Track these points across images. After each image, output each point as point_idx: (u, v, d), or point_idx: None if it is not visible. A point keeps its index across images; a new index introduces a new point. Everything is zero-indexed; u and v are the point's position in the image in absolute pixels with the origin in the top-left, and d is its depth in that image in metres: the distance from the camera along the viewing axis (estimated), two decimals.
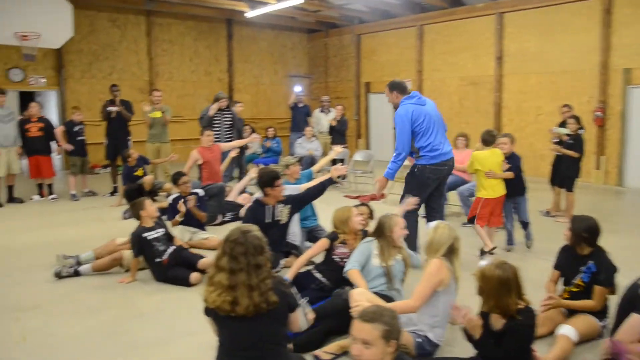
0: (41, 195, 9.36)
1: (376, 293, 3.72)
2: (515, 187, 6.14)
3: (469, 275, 3.44)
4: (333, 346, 3.53)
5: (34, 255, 5.98)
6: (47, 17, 11.17)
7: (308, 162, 10.01)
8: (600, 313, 3.74)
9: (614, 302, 3.59)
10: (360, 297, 3.46)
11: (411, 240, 5.12)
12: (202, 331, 3.59)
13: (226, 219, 7.38)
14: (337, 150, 7.05)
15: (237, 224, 7.04)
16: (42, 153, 9.20)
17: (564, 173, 7.90)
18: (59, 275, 5.09)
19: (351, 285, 3.93)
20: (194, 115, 15.32)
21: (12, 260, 5.79)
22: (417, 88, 14.53)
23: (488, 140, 6.05)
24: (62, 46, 12.41)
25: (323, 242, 4.57)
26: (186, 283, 4.86)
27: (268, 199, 5.09)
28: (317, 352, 3.50)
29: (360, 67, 16.32)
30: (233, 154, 8.38)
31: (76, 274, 5.16)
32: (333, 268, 4.38)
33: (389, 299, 3.75)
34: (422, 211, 5.66)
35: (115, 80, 13.41)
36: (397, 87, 5.52)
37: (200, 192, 6.53)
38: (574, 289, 3.81)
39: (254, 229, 2.79)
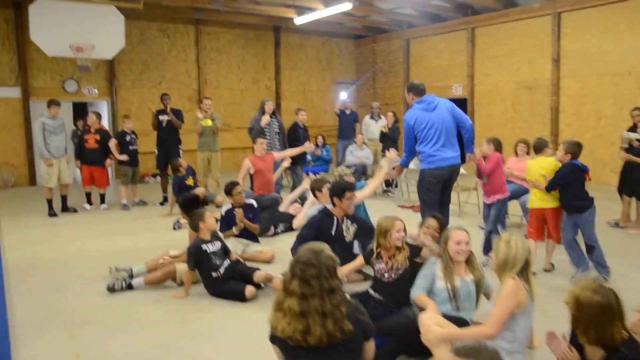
0: (90, 203, 9.44)
1: (446, 316, 3.43)
2: (568, 202, 5.29)
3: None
4: None
5: (86, 266, 5.94)
6: (100, 29, 11.35)
7: (360, 170, 9.76)
8: None
9: None
10: (430, 322, 3.20)
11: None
12: (261, 355, 3.38)
13: (279, 230, 7.20)
14: (391, 157, 6.70)
15: (290, 234, 6.90)
16: (98, 164, 9.30)
17: (635, 181, 7.40)
18: (112, 290, 5.00)
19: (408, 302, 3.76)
20: (241, 123, 15.35)
21: (65, 272, 5.76)
22: (468, 93, 14.12)
23: (536, 147, 5.85)
24: (114, 57, 12.60)
25: (358, 261, 4.40)
26: (241, 297, 4.68)
27: (336, 211, 4.89)
28: None
29: (409, 73, 15.96)
30: (286, 164, 8.19)
31: (129, 287, 5.07)
32: (381, 285, 4.14)
33: (461, 322, 3.45)
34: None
35: (164, 89, 13.54)
36: (413, 89, 5.87)
37: (254, 203, 6.36)
38: None
39: (326, 248, 2.54)
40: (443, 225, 4.36)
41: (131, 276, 5.29)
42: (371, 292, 4.17)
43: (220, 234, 5.32)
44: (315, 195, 5.72)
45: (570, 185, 5.20)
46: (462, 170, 9.04)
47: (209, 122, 9.57)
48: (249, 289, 4.68)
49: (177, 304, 4.73)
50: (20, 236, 7.54)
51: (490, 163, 6.01)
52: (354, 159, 10.61)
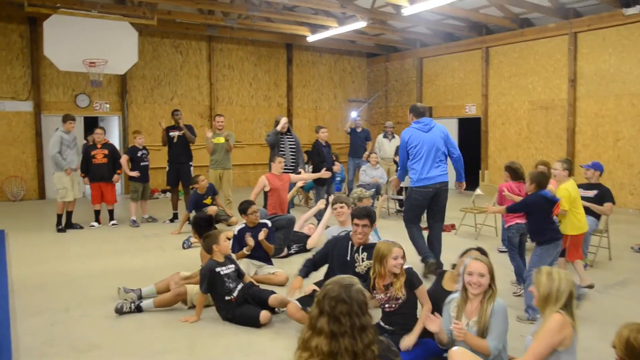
0: (99, 222, 9.29)
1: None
2: (531, 232, 5.06)
3: None
4: None
5: (94, 286, 5.76)
6: (114, 44, 11.34)
7: (373, 190, 9.56)
8: None
9: None
10: (461, 358, 2.98)
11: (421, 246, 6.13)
12: None
13: (292, 251, 7.00)
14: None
15: (303, 255, 6.70)
16: (107, 180, 9.18)
17: None
18: (119, 312, 4.81)
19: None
20: (252, 140, 15.29)
21: (73, 292, 5.58)
22: (482, 112, 13.96)
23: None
24: (126, 72, 12.57)
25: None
26: (255, 323, 4.47)
27: (354, 237, 4.63)
28: None
29: (422, 91, 15.84)
30: (300, 184, 8.02)
31: (138, 309, 4.87)
32: (385, 315, 3.91)
33: (496, 358, 3.21)
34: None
35: (176, 105, 13.51)
36: (414, 111, 6.39)
37: (268, 223, 6.18)
38: None
39: (356, 282, 2.32)
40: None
41: (140, 297, 5.11)
42: (382, 323, 3.95)
43: (233, 256, 5.13)
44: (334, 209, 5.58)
45: (532, 215, 4.89)
46: (479, 191, 8.88)
47: (222, 140, 9.43)
48: (264, 315, 4.47)
49: (188, 328, 4.52)
50: (28, 252, 7.39)
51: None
52: (367, 178, 10.42)
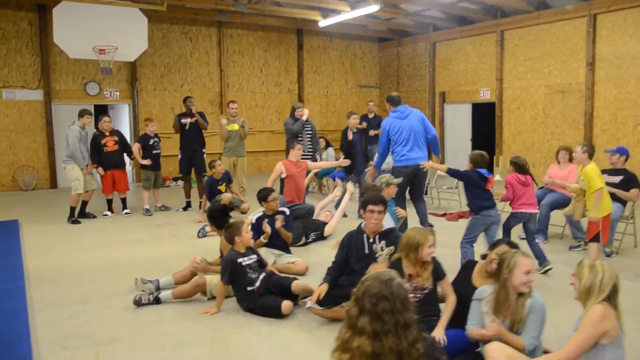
0: (111, 211, 9.20)
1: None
2: (471, 204, 5.63)
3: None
4: None
5: (110, 277, 5.67)
6: (123, 31, 11.19)
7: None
8: None
9: None
10: (498, 354, 2.86)
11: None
12: None
13: (309, 239, 6.88)
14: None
15: (321, 244, 6.57)
16: (119, 167, 9.08)
17: None
18: (138, 303, 4.71)
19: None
20: (263, 127, 15.15)
21: (89, 283, 5.49)
22: (497, 97, 13.73)
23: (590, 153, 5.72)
24: (136, 59, 12.43)
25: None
26: (277, 313, 4.35)
27: (365, 227, 4.48)
28: None
29: (435, 76, 15.59)
30: (316, 170, 7.90)
31: (156, 301, 4.77)
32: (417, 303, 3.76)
33: (532, 353, 3.08)
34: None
35: (186, 92, 13.37)
36: (390, 100, 7.26)
37: (287, 211, 6.05)
38: None
39: (395, 275, 2.17)
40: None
41: (158, 288, 5.01)
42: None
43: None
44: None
45: (468, 187, 5.53)
46: (498, 177, 8.70)
47: (236, 127, 9.28)
48: (286, 305, 4.35)
49: (209, 320, 4.41)
50: (42, 242, 7.32)
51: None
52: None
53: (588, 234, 5.60)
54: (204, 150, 9.65)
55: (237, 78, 14.96)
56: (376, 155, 7.52)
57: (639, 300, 4.81)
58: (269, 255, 5.65)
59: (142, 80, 13.63)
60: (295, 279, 4.72)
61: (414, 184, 7.06)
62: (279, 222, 5.70)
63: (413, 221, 6.73)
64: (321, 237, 6.97)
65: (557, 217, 7.15)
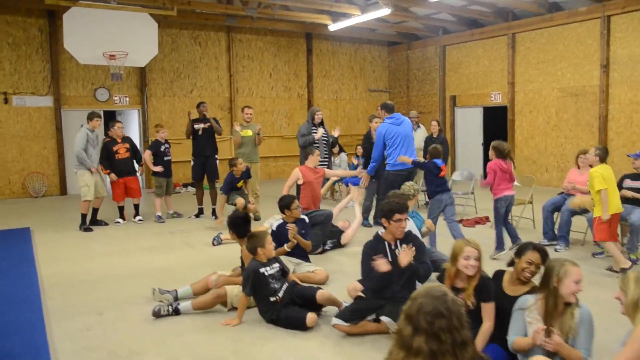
0: (123, 218, 9.12)
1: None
2: (428, 189, 6.82)
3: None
4: None
5: (126, 286, 5.57)
6: (133, 36, 11.14)
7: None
8: None
9: None
10: None
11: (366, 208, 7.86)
12: None
13: (327, 247, 6.76)
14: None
15: (339, 252, 6.45)
16: (131, 174, 9.00)
17: None
18: (157, 315, 4.60)
19: None
20: (272, 132, 15.05)
21: (102, 292, 5.40)
22: (509, 101, 13.61)
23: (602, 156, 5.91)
24: (145, 65, 12.37)
25: None
26: (302, 326, 4.22)
27: (385, 235, 4.37)
28: None
29: (445, 80, 15.47)
30: (334, 178, 7.83)
31: (175, 312, 4.66)
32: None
33: None
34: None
35: (195, 98, 13.32)
36: (385, 107, 7.71)
37: (305, 218, 5.94)
38: None
39: (446, 291, 2.05)
40: (545, 256, 3.45)
41: (176, 299, 4.91)
42: None
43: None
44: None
45: (426, 176, 6.73)
46: (516, 182, 8.56)
47: (249, 132, 9.19)
48: (311, 317, 4.22)
49: (231, 332, 4.29)
50: (54, 250, 7.24)
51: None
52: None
53: (595, 234, 5.90)
54: (216, 156, 9.54)
55: (247, 83, 14.89)
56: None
57: None
58: (288, 264, 5.47)
59: (152, 86, 13.57)
60: (320, 288, 4.59)
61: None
62: (292, 231, 5.53)
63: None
64: (338, 245, 6.86)
65: (579, 223, 7.00)
